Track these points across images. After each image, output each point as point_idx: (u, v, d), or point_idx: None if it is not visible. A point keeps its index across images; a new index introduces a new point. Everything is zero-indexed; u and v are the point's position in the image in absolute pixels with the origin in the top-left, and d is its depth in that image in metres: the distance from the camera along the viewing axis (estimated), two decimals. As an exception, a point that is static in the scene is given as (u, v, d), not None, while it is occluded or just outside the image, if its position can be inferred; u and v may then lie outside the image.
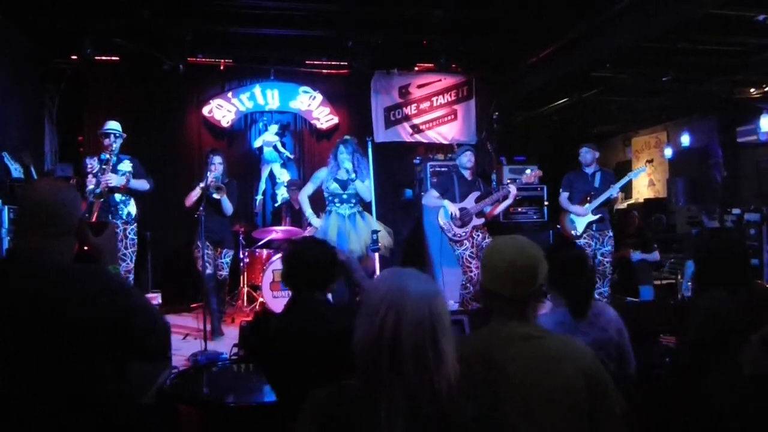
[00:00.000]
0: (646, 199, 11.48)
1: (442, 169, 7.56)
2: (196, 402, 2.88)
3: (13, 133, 6.58)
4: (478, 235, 6.09)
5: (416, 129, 8.46)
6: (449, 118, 8.57)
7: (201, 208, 5.11)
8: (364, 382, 1.40)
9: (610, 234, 6.07)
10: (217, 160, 5.68)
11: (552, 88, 8.41)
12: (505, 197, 6.02)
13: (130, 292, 1.86)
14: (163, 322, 1.91)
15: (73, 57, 7.14)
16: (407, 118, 8.44)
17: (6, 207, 5.65)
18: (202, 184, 5.34)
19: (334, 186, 5.43)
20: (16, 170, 6.25)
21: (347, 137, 5.63)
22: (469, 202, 6.08)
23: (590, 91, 8.59)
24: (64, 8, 6.29)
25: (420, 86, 8.47)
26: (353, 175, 5.35)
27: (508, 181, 7.13)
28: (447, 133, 8.54)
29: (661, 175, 11.55)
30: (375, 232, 4.93)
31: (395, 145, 8.42)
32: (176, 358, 4.67)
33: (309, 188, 5.64)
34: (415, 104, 8.47)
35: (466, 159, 6.15)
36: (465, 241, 6.05)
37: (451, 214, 6.03)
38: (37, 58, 7.27)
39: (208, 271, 5.67)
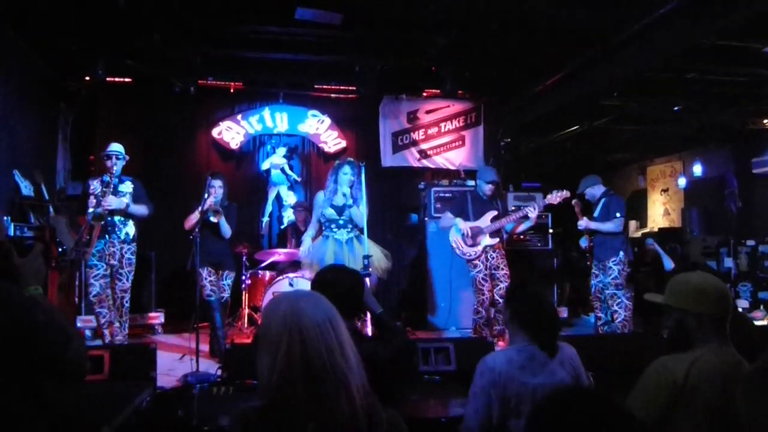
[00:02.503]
0: (660, 229, 11.35)
1: (447, 194, 7.59)
2: (168, 425, 2.91)
3: (25, 152, 6.76)
4: (493, 257, 6.06)
5: (424, 154, 8.52)
6: (457, 144, 8.62)
7: (196, 231, 5.16)
8: (285, 410, 1.39)
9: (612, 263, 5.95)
10: (217, 183, 5.70)
11: (561, 115, 8.42)
12: (525, 218, 6.03)
13: (36, 309, 1.79)
14: (78, 341, 1.84)
15: (86, 78, 7.33)
16: (415, 143, 8.50)
17: (13, 225, 5.82)
18: (200, 208, 5.39)
19: (330, 212, 5.40)
20: (26, 188, 6.43)
21: (350, 159, 5.64)
22: (484, 221, 6.08)
23: (601, 119, 8.58)
24: (78, 30, 6.48)
25: (428, 112, 8.54)
26: (350, 201, 5.34)
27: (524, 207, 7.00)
28: (454, 158, 8.58)
29: (676, 204, 11.43)
30: (367, 257, 4.93)
31: (402, 170, 8.49)
32: (168, 379, 4.74)
33: (312, 230, 5.59)
34: (423, 129, 8.53)
35: (488, 189, 6.15)
36: (478, 262, 6.04)
37: (462, 231, 6.03)
38: (52, 78, 7.48)
39: (207, 292, 5.73)
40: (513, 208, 7.22)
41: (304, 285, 6.10)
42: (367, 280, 5.05)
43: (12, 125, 6.43)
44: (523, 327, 2.45)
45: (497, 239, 6.06)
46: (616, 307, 5.84)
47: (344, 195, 5.37)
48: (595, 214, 6.06)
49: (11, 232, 5.71)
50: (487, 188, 6.14)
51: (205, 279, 5.70)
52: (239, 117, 8.24)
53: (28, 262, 2.22)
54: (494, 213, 6.10)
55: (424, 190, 7.83)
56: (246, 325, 6.98)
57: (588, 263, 6.18)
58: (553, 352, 2.43)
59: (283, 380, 1.37)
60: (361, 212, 5.32)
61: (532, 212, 5.98)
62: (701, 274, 2.17)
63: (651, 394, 2.00)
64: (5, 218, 5.64)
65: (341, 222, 5.39)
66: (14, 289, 1.87)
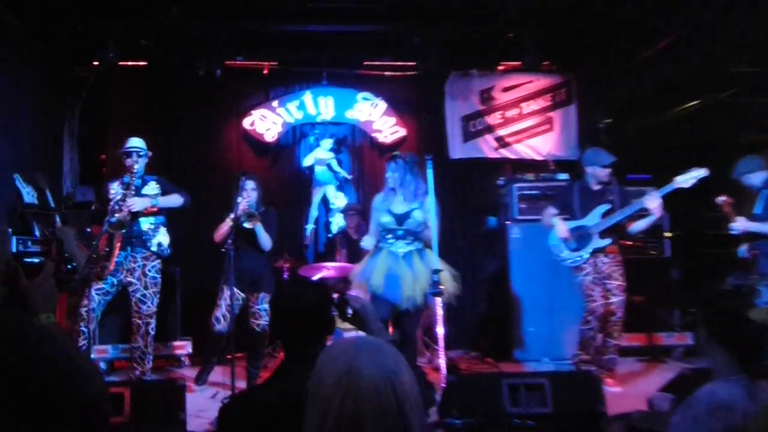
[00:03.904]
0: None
1: (534, 191, 7.48)
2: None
3: (26, 152, 7.01)
4: (604, 263, 5.87)
5: (501, 142, 8.45)
6: (543, 128, 8.52)
7: (229, 242, 5.16)
8: None
9: None
10: (250, 185, 5.72)
11: (676, 87, 8.19)
12: (644, 212, 5.71)
13: (50, 342, 1.76)
14: (98, 379, 1.84)
15: (95, 63, 7.55)
16: (490, 128, 8.44)
17: (15, 238, 6.02)
18: (232, 215, 5.42)
19: (388, 219, 5.34)
20: (28, 194, 6.64)
21: (396, 153, 5.58)
22: (593, 218, 5.91)
23: (728, 91, 8.30)
24: (84, 8, 6.69)
25: (506, 89, 8.47)
26: (416, 206, 5.25)
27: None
28: (541, 146, 8.48)
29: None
30: (436, 271, 4.85)
31: (475, 163, 8.45)
32: (200, 421, 4.82)
33: (370, 239, 5.56)
34: (501, 112, 8.47)
35: (605, 174, 5.94)
36: (585, 265, 5.90)
37: (561, 237, 5.95)
38: (55, 65, 7.73)
39: (218, 326, 5.75)
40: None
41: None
42: (438, 300, 5.01)
43: (11, 121, 6.66)
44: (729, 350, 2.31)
45: (609, 241, 5.87)
46: None
47: (408, 199, 5.30)
48: (757, 211, 5.67)
49: (13, 247, 5.90)
50: (605, 174, 5.92)
51: (222, 300, 5.72)
52: (275, 104, 8.34)
53: (38, 284, 2.24)
54: (606, 208, 5.92)
55: (505, 187, 7.73)
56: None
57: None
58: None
59: None
60: (419, 219, 5.24)
61: (652, 200, 5.57)
62: None
63: None
64: (8, 230, 5.84)
65: (400, 232, 5.31)
66: (23, 318, 1.86)
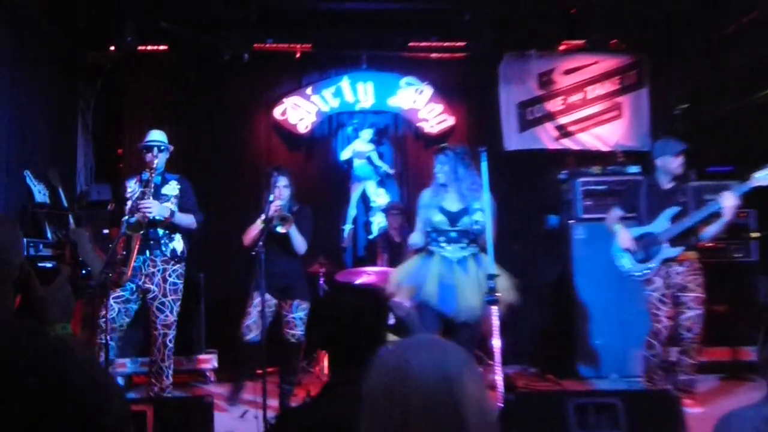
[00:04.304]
0: None
1: (600, 187, 7.40)
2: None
3: (37, 147, 7.13)
4: (678, 273, 5.67)
5: (563, 131, 8.43)
6: (611, 114, 8.47)
7: (260, 245, 5.16)
8: None
9: None
10: (282, 181, 5.75)
11: (762, 68, 8.04)
12: (716, 215, 5.52)
13: (67, 356, 1.67)
14: (120, 397, 1.82)
15: (111, 48, 7.68)
16: (550, 116, 8.42)
17: (25, 240, 6.11)
18: (263, 216, 5.48)
19: (440, 218, 5.31)
20: (40, 193, 6.74)
21: (445, 145, 5.57)
22: (661, 224, 5.73)
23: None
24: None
25: (568, 72, 8.44)
26: (477, 205, 5.19)
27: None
28: (608, 135, 8.44)
29: None
30: (492, 276, 4.79)
31: (533, 155, 8.43)
32: (228, 444, 4.88)
33: (418, 235, 5.49)
34: (562, 97, 8.45)
35: (677, 164, 5.77)
36: (655, 278, 5.72)
37: (625, 247, 5.82)
38: (68, 51, 7.83)
39: (250, 335, 5.77)
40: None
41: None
42: (494, 308, 4.96)
43: (19, 113, 6.76)
44: None
45: (682, 248, 5.75)
46: None
47: (462, 195, 5.27)
48: None
49: (24, 251, 5.99)
50: (676, 163, 5.75)
51: (253, 307, 5.75)
52: (309, 91, 8.41)
53: (53, 292, 2.28)
54: (676, 211, 5.78)
55: (567, 182, 7.66)
56: (326, 371, 7.02)
57: None
58: None
59: None
60: (475, 219, 5.22)
61: (726, 200, 5.40)
62: None
63: None
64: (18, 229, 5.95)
65: (454, 234, 5.30)
66: (37, 329, 1.80)
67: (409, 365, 1.40)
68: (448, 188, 5.33)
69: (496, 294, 4.77)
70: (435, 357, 1.43)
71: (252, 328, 5.75)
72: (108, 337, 5.34)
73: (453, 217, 5.29)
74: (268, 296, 5.59)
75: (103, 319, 5.37)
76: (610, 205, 6.37)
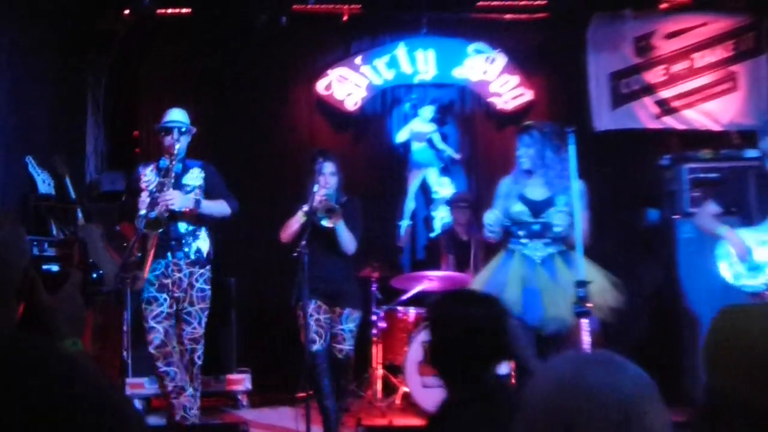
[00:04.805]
0: None
1: (712, 175, 7.18)
2: None
3: (40, 129, 7.12)
4: None
5: (665, 107, 8.19)
6: (724, 87, 8.21)
7: (302, 243, 5.14)
8: None
9: None
10: (329, 168, 5.69)
11: None
12: None
13: (78, 377, 1.75)
14: (138, 425, 1.84)
15: (126, 11, 7.62)
16: (649, 89, 8.20)
17: (28, 238, 6.07)
18: (305, 207, 5.40)
19: (520, 208, 5.19)
20: (44, 183, 6.72)
21: (529, 123, 5.43)
22: None
23: None
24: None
25: (670, 35, 8.21)
26: (563, 201, 5.05)
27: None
28: (720, 112, 8.18)
29: None
30: (582, 283, 4.64)
31: (629, 136, 8.21)
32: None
33: (494, 214, 5.24)
34: (663, 66, 8.22)
35: None
36: None
37: (734, 253, 5.62)
38: (75, 16, 7.75)
39: (316, 346, 5.65)
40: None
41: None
42: (584, 322, 4.80)
43: (20, 89, 6.72)
44: None
45: None
46: None
47: (550, 184, 5.14)
48: None
49: (26, 251, 5.93)
50: None
51: (310, 316, 5.62)
52: (358, 60, 8.32)
53: (62, 301, 2.25)
54: None
55: (671, 169, 7.48)
56: (380, 395, 6.95)
57: None
58: None
59: None
60: (563, 211, 5.08)
61: None
62: None
63: None
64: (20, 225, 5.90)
65: (536, 228, 5.16)
66: (44, 345, 1.82)
67: (583, 380, 1.39)
68: (532, 175, 5.20)
69: (587, 304, 4.63)
70: (613, 377, 1.40)
71: (316, 339, 5.65)
72: (164, 365, 5.43)
73: (536, 208, 5.17)
74: (320, 302, 5.66)
75: (153, 348, 5.44)
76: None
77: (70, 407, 1.61)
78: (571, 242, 4.97)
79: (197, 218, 5.60)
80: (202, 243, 5.66)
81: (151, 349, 5.45)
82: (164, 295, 5.49)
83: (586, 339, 4.74)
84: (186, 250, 5.58)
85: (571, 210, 4.96)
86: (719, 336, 1.73)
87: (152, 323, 5.43)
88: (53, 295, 2.24)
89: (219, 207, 5.67)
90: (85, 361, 2.10)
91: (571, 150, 4.84)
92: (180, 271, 5.54)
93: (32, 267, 1.93)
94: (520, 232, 5.18)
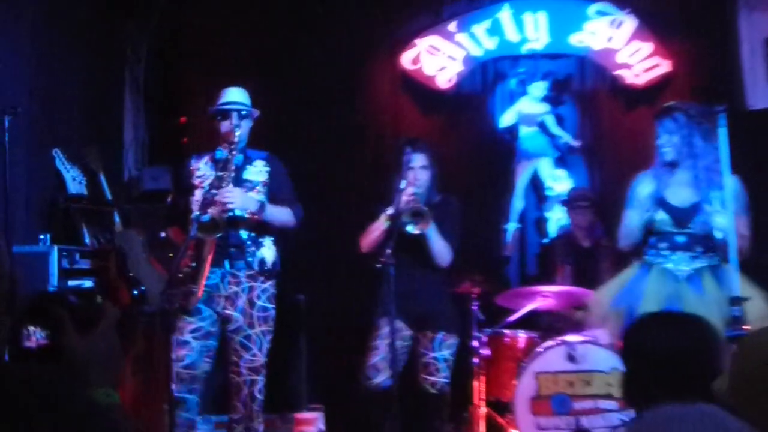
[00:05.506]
0: None
1: None
2: None
3: (70, 116, 7.23)
4: None
5: (838, 79, 8.03)
6: None
7: (388, 252, 5.10)
8: None
9: None
10: (419, 160, 5.70)
11: None
12: None
13: None
14: None
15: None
16: (817, 57, 8.06)
17: (56, 248, 6.15)
18: (390, 210, 5.40)
19: (662, 216, 5.21)
20: (74, 181, 6.83)
21: (672, 104, 5.37)
22: None
23: None
24: None
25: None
26: (716, 206, 4.99)
27: None
28: None
29: None
30: (737, 300, 4.59)
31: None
32: None
33: (634, 216, 5.32)
34: (835, 28, 8.07)
35: None
36: None
37: None
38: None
39: (380, 378, 5.68)
40: None
41: (598, 361, 6.08)
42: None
43: (47, 68, 6.85)
44: None
45: None
46: None
47: (698, 180, 5.09)
48: None
49: (54, 264, 6.00)
50: None
51: (380, 339, 5.70)
52: (452, 27, 8.31)
53: (95, 344, 2.29)
54: None
55: None
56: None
57: None
58: None
59: None
60: (717, 217, 5.02)
61: None
62: None
63: None
64: (44, 237, 5.99)
65: (681, 239, 5.17)
66: (73, 394, 1.84)
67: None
68: (676, 170, 5.18)
69: (743, 327, 4.58)
70: None
71: (381, 368, 5.68)
72: (186, 390, 5.41)
73: (681, 215, 5.17)
74: (400, 324, 5.59)
75: (179, 364, 5.37)
76: None
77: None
78: (725, 253, 4.95)
79: (259, 226, 5.60)
80: (267, 252, 5.63)
81: (179, 368, 5.36)
82: (210, 310, 5.48)
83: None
84: (249, 259, 5.56)
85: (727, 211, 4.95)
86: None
87: (188, 337, 5.39)
88: (84, 337, 2.25)
89: (283, 215, 5.66)
90: (120, 417, 2.17)
91: (722, 134, 4.82)
92: (238, 284, 5.51)
93: (55, 298, 1.95)
94: (661, 244, 5.22)
